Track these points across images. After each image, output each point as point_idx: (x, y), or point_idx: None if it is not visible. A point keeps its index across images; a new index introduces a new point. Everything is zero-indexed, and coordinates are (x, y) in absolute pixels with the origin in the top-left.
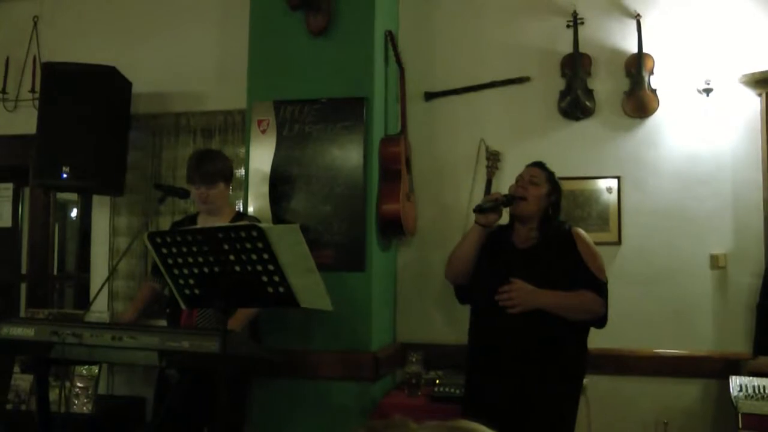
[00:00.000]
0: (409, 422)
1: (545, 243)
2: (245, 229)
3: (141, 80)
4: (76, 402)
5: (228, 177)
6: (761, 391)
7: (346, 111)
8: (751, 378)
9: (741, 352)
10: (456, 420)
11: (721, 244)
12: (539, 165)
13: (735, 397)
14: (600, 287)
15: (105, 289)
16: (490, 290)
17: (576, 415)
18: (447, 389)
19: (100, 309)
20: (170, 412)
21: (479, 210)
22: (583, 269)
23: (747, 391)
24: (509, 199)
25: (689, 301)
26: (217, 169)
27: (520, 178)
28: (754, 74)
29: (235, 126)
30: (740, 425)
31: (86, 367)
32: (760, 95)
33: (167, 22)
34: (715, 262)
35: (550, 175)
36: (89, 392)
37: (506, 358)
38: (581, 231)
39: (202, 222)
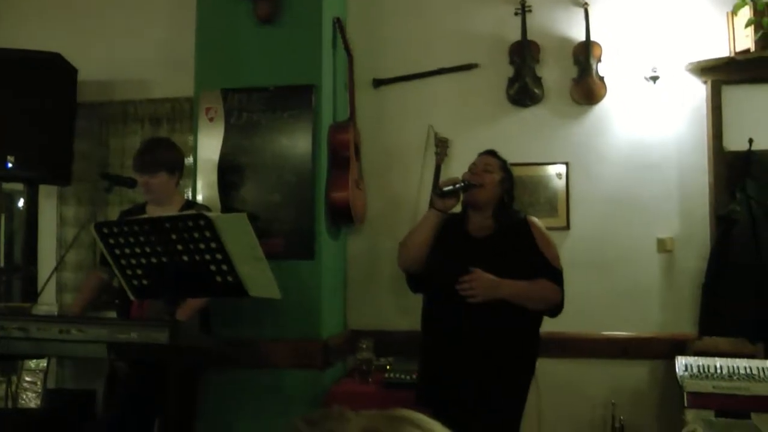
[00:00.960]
0: (347, 412)
1: (501, 232)
2: (192, 219)
3: (87, 67)
4: (25, 397)
5: (172, 167)
6: (706, 370)
7: (295, 99)
8: (696, 358)
9: (687, 332)
10: (395, 409)
11: (667, 228)
12: (492, 153)
13: (681, 376)
14: (556, 275)
15: (53, 281)
16: (447, 279)
17: (526, 399)
18: (398, 376)
19: (48, 301)
20: (121, 404)
21: (440, 194)
22: (539, 258)
23: (692, 370)
24: (467, 185)
25: (637, 284)
26: (158, 158)
27: (473, 167)
28: (700, 62)
29: (183, 114)
30: (686, 403)
31: (34, 360)
32: (705, 83)
33: (113, 8)
34: (662, 245)
35: (503, 163)
36: (38, 386)
37: (464, 347)
38: (536, 219)
39: (151, 211)
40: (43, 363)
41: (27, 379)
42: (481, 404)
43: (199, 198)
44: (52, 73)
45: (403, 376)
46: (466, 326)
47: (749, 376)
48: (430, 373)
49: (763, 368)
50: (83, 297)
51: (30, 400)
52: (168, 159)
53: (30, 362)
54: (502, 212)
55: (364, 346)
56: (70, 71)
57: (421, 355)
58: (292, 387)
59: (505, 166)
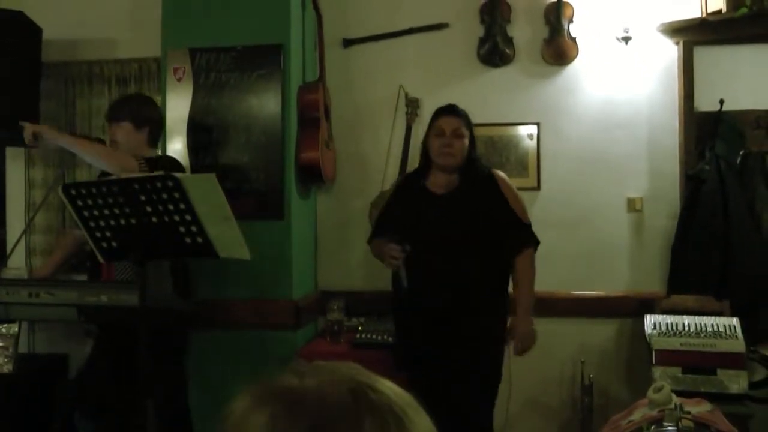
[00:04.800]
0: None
1: (466, 186)
2: (160, 180)
3: (51, 26)
4: None
5: (141, 120)
6: (673, 328)
7: (263, 58)
8: (664, 316)
9: (655, 291)
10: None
11: (637, 187)
12: (456, 113)
13: (649, 334)
14: (525, 229)
15: (22, 244)
16: (415, 241)
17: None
18: (369, 336)
19: (17, 265)
20: (93, 366)
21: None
22: (509, 212)
23: (660, 328)
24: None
25: (606, 244)
26: (126, 106)
27: (440, 132)
28: (671, 23)
29: (150, 74)
30: (654, 360)
31: (5, 325)
32: (677, 44)
33: None
34: (631, 205)
35: (466, 121)
36: (9, 351)
37: (439, 307)
38: (502, 174)
39: None
40: (15, 327)
41: None
42: (462, 365)
43: None
44: (15, 32)
45: (374, 337)
46: (439, 286)
47: (716, 333)
48: (407, 334)
49: (728, 325)
50: (54, 259)
51: (2, 365)
52: (136, 110)
53: (1, 327)
54: (468, 168)
55: (335, 306)
56: (35, 30)
57: (395, 317)
58: (263, 347)
59: (468, 123)
